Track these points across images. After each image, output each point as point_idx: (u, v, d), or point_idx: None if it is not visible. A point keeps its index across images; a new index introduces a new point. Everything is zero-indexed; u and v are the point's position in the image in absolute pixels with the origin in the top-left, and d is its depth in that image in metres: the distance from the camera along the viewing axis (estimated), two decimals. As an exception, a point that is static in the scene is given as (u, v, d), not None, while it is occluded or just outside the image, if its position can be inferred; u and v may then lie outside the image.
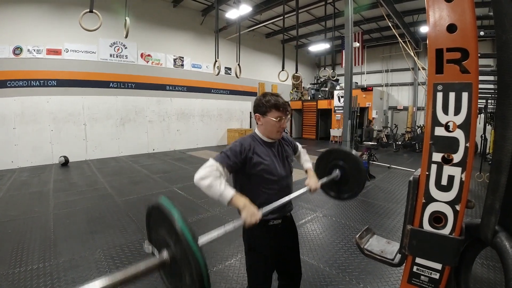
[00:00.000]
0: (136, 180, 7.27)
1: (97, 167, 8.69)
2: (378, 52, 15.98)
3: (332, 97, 14.73)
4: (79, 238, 4.03)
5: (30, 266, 3.27)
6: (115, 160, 9.83)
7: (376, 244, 0.85)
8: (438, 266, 0.72)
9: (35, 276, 3.09)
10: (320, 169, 2.40)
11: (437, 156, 0.72)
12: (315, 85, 17.52)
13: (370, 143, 8.53)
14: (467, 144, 0.69)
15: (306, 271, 3.23)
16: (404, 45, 9.04)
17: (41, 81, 8.94)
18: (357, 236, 0.89)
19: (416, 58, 9.99)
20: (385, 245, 0.84)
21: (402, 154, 10.16)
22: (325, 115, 16.12)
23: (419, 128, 12.64)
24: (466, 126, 0.73)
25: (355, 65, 11.34)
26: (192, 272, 1.07)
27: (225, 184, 1.61)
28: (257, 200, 1.73)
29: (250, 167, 1.81)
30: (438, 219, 0.72)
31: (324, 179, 2.23)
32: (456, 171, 0.70)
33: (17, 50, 8.48)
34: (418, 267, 0.76)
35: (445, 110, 0.79)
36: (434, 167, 0.72)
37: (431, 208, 0.74)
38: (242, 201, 1.59)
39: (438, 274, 0.72)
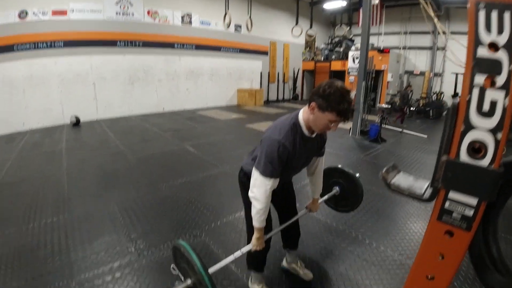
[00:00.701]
0: (147, 138, 7.32)
1: (108, 126, 8.76)
2: (397, 12, 14.91)
3: (347, 58, 14.01)
4: (93, 193, 4.13)
5: (44, 220, 3.37)
6: (126, 120, 9.87)
7: (403, 180, 0.77)
8: (473, 201, 0.66)
9: (49, 230, 3.19)
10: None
11: (479, 79, 0.65)
12: (329, 45, 16.66)
13: (384, 105, 8.28)
14: (511, 67, 0.61)
15: (314, 225, 3.27)
16: (425, 6, 8.33)
17: (48, 43, 8.74)
18: (383, 171, 0.80)
19: (436, 21, 9.30)
20: (412, 182, 0.77)
21: (415, 120, 9.90)
22: (338, 77, 15.33)
23: (435, 95, 12.11)
24: (510, 47, 0.64)
25: (372, 25, 10.61)
26: None
27: (264, 217, 1.78)
28: None
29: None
30: (477, 149, 0.65)
31: (325, 197, 2.53)
32: (499, 96, 0.63)
33: (23, 14, 8.24)
34: (451, 202, 0.70)
35: (488, 29, 0.69)
36: (475, 91, 0.65)
37: (470, 136, 0.67)
38: (260, 234, 1.84)
39: (472, 211, 0.66)
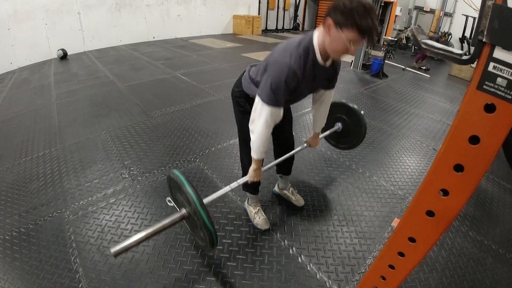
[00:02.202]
0: (137, 67, 6.97)
1: (96, 57, 8.30)
2: None
3: None
4: (84, 122, 4.02)
5: (36, 154, 3.29)
6: (114, 49, 9.32)
7: (434, 43, 0.59)
8: None
9: (41, 162, 3.12)
10: None
11: None
12: None
13: (390, 38, 7.66)
14: None
15: (308, 152, 3.26)
16: None
17: (30, -28, 7.85)
18: (413, 27, 0.62)
19: None
20: (444, 45, 0.58)
21: (420, 60, 9.31)
22: None
23: (443, 35, 11.21)
24: None
25: None
26: (203, 228, 1.43)
27: (263, 148, 1.65)
28: None
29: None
30: None
31: (327, 132, 2.39)
32: None
33: None
34: (496, 65, 0.55)
35: None
36: None
37: None
38: (258, 165, 1.73)
39: None
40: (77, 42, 9.11)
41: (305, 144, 2.17)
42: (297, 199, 2.45)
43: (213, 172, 2.89)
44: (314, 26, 15.70)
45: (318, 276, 1.86)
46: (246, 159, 1.99)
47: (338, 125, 2.43)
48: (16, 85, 6.08)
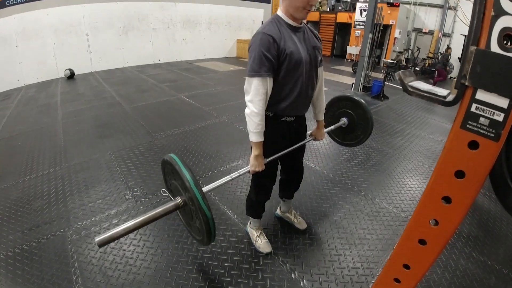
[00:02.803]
0: (143, 88, 7.13)
1: (103, 77, 8.51)
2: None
3: (354, 10, 13.14)
4: (89, 143, 4.08)
5: (41, 172, 3.34)
6: (121, 71, 9.56)
7: (421, 85, 0.64)
8: (504, 103, 0.56)
9: (45, 181, 3.17)
10: (329, 115, 2.41)
11: None
12: None
13: (389, 60, 7.84)
14: None
15: (310, 175, 3.26)
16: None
17: (39, -6, 8.22)
18: (400, 72, 0.67)
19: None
20: (430, 87, 0.63)
21: (420, 80, 9.46)
22: (344, 30, 14.61)
23: (441, 56, 11.46)
24: None
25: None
26: (199, 214, 1.34)
27: (261, 126, 1.61)
28: (275, 106, 1.69)
29: (281, 61, 1.56)
30: (510, 37, 0.49)
31: (332, 127, 2.33)
32: None
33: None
34: (478, 106, 0.60)
35: None
36: None
37: (500, 23, 0.54)
38: (258, 151, 1.67)
39: (502, 115, 0.57)
40: (85, 62, 9.37)
41: (310, 137, 2.08)
42: (300, 222, 2.44)
43: (215, 194, 2.90)
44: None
45: (320, 302, 1.84)
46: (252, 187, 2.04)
47: (344, 120, 2.36)
48: (22, 102, 6.22)
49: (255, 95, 1.54)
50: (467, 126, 0.63)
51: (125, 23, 10.04)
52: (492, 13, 0.54)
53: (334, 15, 14.49)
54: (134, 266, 2.05)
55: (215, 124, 4.80)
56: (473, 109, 0.61)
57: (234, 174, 1.67)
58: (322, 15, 15.06)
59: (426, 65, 11.58)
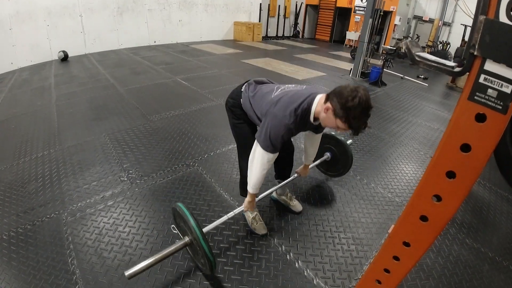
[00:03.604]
0: (138, 71, 7.00)
1: (97, 60, 8.33)
2: None
3: None
4: (84, 125, 4.02)
5: (35, 155, 3.29)
6: (115, 53, 9.36)
7: (427, 55, 0.63)
8: None
9: (40, 163, 3.12)
10: None
11: None
12: None
13: (389, 47, 7.74)
14: None
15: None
16: None
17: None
18: (407, 41, 0.66)
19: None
20: (437, 58, 0.62)
21: (418, 68, 9.39)
22: (343, 15, 14.31)
23: (441, 44, 11.33)
24: None
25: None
26: (204, 257, 1.61)
27: (259, 184, 1.87)
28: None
29: None
30: None
31: (317, 162, 2.62)
32: None
33: None
34: (487, 77, 0.59)
35: None
36: None
37: None
38: (253, 198, 1.94)
39: (510, 87, 0.56)
40: (79, 44, 9.14)
41: (296, 174, 2.37)
42: (295, 205, 2.46)
43: (211, 176, 2.90)
44: (314, 33, 15.85)
45: (315, 282, 1.86)
46: (244, 164, 2.03)
47: (327, 155, 2.68)
48: (16, 85, 6.09)
49: (262, 165, 1.75)
50: (475, 97, 0.62)
51: (120, 4, 9.74)
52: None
53: (334, 0, 14.22)
54: (130, 247, 2.06)
55: (211, 107, 4.75)
56: (481, 80, 0.60)
57: (230, 214, 1.95)
58: (321, -1, 14.77)
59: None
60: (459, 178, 0.71)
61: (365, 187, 2.88)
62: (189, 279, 1.84)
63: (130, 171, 2.95)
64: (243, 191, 2.18)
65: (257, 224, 2.21)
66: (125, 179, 2.83)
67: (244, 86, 1.97)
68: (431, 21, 12.94)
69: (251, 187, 1.86)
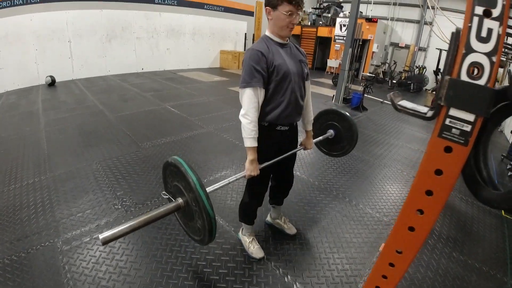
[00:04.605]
0: (126, 97, 7.08)
1: (85, 85, 8.36)
2: (388, -19, 14.38)
3: (334, 25, 13.59)
4: (74, 151, 4.02)
5: (26, 181, 3.25)
6: (103, 79, 9.43)
7: (407, 103, 0.84)
8: (471, 117, 0.76)
9: (31, 190, 3.09)
10: (316, 128, 2.52)
11: (478, 10, 0.72)
12: (317, 10, 16.08)
13: (368, 74, 8.22)
14: (504, 2, 0.69)
15: (297, 183, 3.38)
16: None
17: (23, -1, 8.06)
18: (391, 94, 0.87)
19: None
20: (414, 105, 0.85)
21: (397, 91, 9.92)
22: (324, 44, 15.17)
23: (417, 69, 12.10)
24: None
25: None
26: (203, 216, 1.38)
27: (255, 132, 1.75)
28: (270, 114, 1.82)
29: (270, 72, 1.74)
30: (475, 70, 0.74)
31: (320, 138, 2.47)
32: (494, 25, 0.72)
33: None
34: (451, 120, 0.79)
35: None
36: (475, 20, 0.73)
37: (469, 59, 0.75)
38: (253, 156, 1.78)
39: (470, 127, 0.77)
40: (66, 69, 9.17)
41: (300, 146, 2.20)
42: (290, 228, 2.54)
43: (206, 202, 2.94)
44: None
45: (312, 303, 1.92)
46: (245, 192, 2.14)
47: (331, 132, 2.50)
48: (3, 109, 6.02)
49: (248, 103, 1.70)
50: (443, 135, 0.83)
51: (109, 31, 9.94)
52: (463, 51, 0.73)
53: (315, 29, 15.00)
54: (128, 275, 2.07)
55: (201, 134, 4.85)
56: (447, 122, 0.81)
57: (231, 178, 1.78)
58: (303, 29, 15.54)
59: (402, 78, 12.16)
60: (436, 195, 0.91)
61: (354, 209, 3.00)
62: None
63: (124, 199, 2.97)
64: (242, 217, 2.28)
65: (254, 248, 2.27)
66: (119, 207, 2.84)
67: None
68: (407, 47, 13.75)
69: (247, 138, 1.75)
